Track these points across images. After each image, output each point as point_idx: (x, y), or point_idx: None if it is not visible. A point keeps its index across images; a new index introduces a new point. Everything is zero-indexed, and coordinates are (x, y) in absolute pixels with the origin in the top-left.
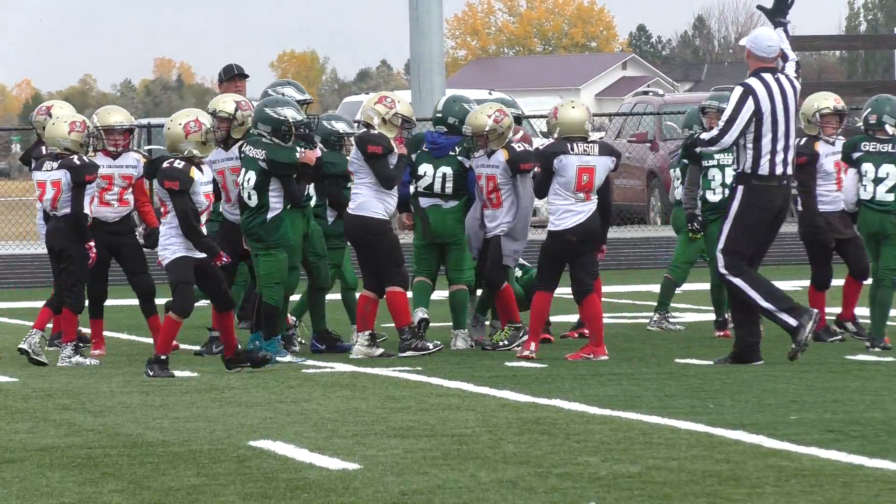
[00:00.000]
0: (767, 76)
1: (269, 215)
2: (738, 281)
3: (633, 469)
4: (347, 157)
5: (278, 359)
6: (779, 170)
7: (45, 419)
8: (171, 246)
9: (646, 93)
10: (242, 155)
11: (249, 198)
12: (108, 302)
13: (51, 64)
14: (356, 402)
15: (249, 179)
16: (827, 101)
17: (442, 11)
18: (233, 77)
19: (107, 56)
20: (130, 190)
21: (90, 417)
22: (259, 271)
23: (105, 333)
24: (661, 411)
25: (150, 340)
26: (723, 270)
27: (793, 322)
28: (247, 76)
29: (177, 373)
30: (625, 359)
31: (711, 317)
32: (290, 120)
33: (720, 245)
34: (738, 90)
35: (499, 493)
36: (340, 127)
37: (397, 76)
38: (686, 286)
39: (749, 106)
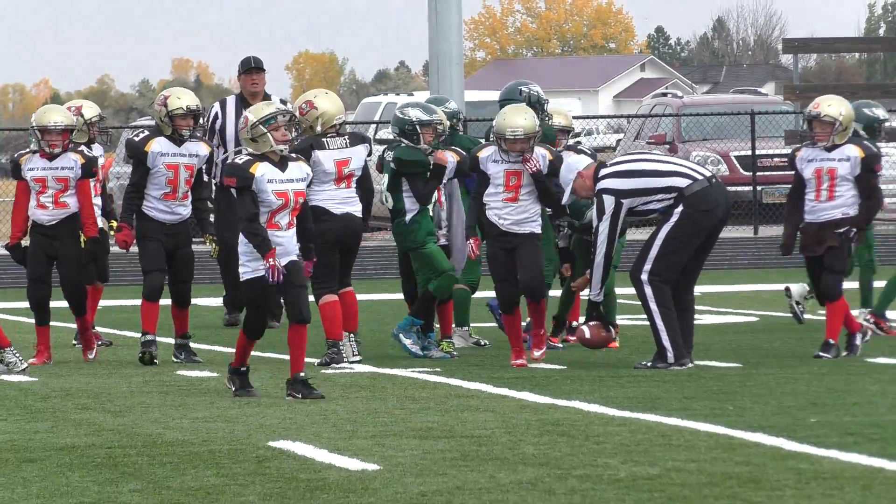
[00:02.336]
0: None
1: (408, 217)
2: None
3: (652, 471)
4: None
5: (408, 345)
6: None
7: (65, 419)
8: (242, 257)
9: (664, 94)
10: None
11: (386, 200)
12: (121, 302)
13: (69, 64)
14: (375, 402)
15: (384, 182)
16: (817, 106)
17: (461, 12)
18: (249, 70)
19: (125, 56)
20: (71, 192)
21: (110, 417)
22: (416, 269)
23: (122, 333)
24: (680, 413)
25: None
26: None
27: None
28: (264, 70)
29: (195, 373)
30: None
31: (730, 319)
32: (415, 120)
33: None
34: None
35: (518, 494)
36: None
37: (416, 77)
38: (704, 288)
39: None
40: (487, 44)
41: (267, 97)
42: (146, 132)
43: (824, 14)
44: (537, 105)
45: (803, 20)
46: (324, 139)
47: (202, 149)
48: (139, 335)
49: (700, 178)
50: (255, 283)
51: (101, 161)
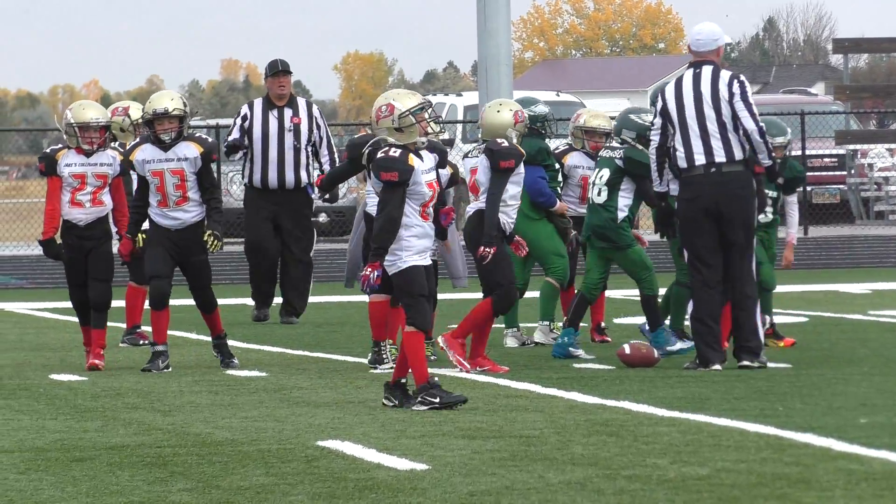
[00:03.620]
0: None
1: (620, 216)
2: None
3: (701, 471)
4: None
5: (668, 348)
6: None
7: (115, 418)
8: (400, 252)
9: None
10: (599, 157)
11: (599, 193)
12: (175, 301)
13: (119, 64)
14: None
15: (602, 176)
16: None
17: (510, 13)
18: (276, 73)
19: (174, 56)
20: (106, 190)
21: (159, 416)
22: (625, 267)
23: (171, 333)
24: (729, 414)
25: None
26: None
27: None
28: (290, 72)
29: (245, 373)
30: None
31: (779, 319)
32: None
33: None
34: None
35: (567, 494)
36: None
37: (465, 77)
38: None
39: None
40: (535, 44)
41: (292, 100)
42: (137, 140)
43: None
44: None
45: (853, 20)
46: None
47: (191, 150)
48: (183, 333)
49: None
50: (419, 272)
51: None
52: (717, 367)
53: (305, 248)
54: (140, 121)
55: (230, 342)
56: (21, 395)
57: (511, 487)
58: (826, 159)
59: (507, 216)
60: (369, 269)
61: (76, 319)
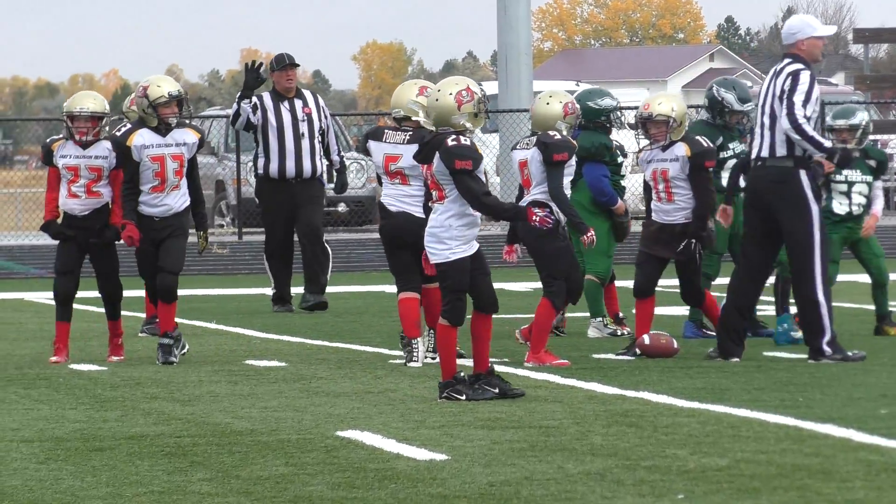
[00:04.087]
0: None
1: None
2: None
3: (721, 462)
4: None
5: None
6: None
7: (134, 408)
8: (450, 241)
9: None
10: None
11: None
12: (189, 291)
13: (138, 54)
14: None
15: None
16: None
17: (529, 2)
18: (285, 66)
19: (193, 46)
20: (104, 182)
21: (179, 406)
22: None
23: (191, 322)
24: (749, 404)
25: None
26: None
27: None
28: (297, 65)
29: (264, 363)
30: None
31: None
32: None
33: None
34: None
35: (586, 485)
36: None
37: (484, 67)
38: (771, 279)
39: None
40: (555, 34)
41: (299, 92)
42: (129, 126)
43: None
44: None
45: (874, 10)
46: (386, 131)
47: (189, 136)
48: (203, 323)
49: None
50: (465, 267)
51: None
52: (736, 359)
53: (319, 232)
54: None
55: (250, 332)
56: (41, 385)
57: (530, 478)
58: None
59: (557, 208)
60: (538, 211)
61: (96, 309)
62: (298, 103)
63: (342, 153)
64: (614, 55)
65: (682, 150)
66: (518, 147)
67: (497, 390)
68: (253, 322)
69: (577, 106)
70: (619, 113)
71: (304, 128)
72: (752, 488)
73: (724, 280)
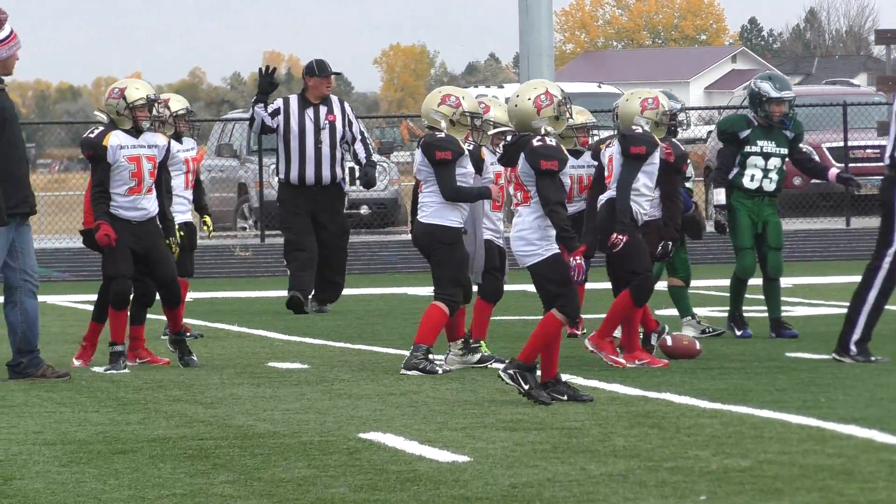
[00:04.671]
0: None
1: None
2: None
3: (743, 463)
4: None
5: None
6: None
7: (157, 410)
8: (540, 242)
9: None
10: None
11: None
12: (212, 294)
13: (161, 57)
14: (466, 394)
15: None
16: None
17: (551, 4)
18: (327, 74)
19: (216, 49)
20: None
21: (201, 409)
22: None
23: (214, 325)
24: (772, 405)
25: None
26: None
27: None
28: (339, 73)
29: (286, 365)
30: (735, 353)
31: (823, 311)
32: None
33: None
34: None
35: (609, 486)
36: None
37: (506, 69)
38: (796, 280)
39: None
40: (577, 36)
41: (326, 100)
42: (101, 128)
43: None
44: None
45: None
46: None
47: (160, 139)
48: (225, 325)
49: None
50: (563, 258)
51: (192, 154)
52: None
53: (343, 241)
54: (181, 112)
55: (272, 334)
56: (63, 388)
57: (553, 479)
58: (868, 150)
59: (641, 206)
60: (578, 257)
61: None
62: (323, 110)
63: (372, 158)
64: (636, 57)
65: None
66: (609, 144)
67: (565, 397)
68: (275, 324)
69: (661, 101)
70: (685, 114)
71: (325, 135)
72: (774, 489)
73: (756, 282)
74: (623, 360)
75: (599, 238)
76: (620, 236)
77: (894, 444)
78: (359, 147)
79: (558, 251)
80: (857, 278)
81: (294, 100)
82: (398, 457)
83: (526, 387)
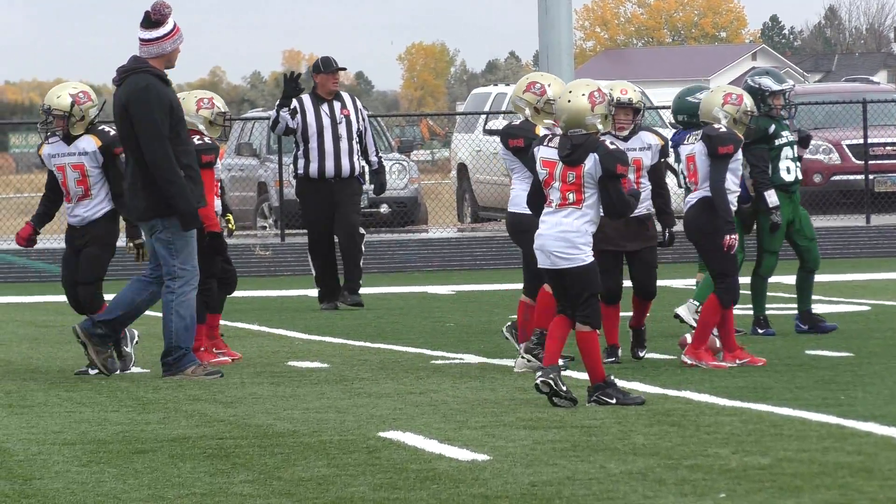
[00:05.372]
0: None
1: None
2: None
3: (763, 461)
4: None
5: None
6: None
7: (177, 410)
8: (584, 247)
9: None
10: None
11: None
12: (237, 293)
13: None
14: (485, 393)
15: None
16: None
17: (571, 2)
18: (333, 70)
19: (236, 48)
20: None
21: (221, 408)
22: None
23: (234, 324)
24: (791, 403)
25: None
26: None
27: None
28: (344, 69)
29: (306, 364)
30: (754, 350)
31: (842, 308)
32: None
33: None
34: None
35: (628, 484)
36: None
37: (526, 67)
38: (816, 277)
39: None
40: (597, 34)
41: (337, 94)
42: (49, 134)
43: None
44: None
45: None
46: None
47: (90, 144)
48: (255, 326)
49: None
50: (596, 266)
51: None
52: None
53: (355, 230)
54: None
55: (292, 334)
56: (83, 388)
57: (572, 478)
58: (888, 147)
59: (731, 203)
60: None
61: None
62: (337, 105)
63: (380, 154)
64: (656, 55)
65: (652, 138)
66: (686, 142)
67: (614, 401)
68: (295, 323)
69: (745, 100)
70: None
71: (342, 129)
72: (794, 487)
73: (781, 278)
74: (725, 363)
75: (693, 238)
76: (733, 236)
77: None
78: (368, 141)
79: (594, 259)
80: (878, 275)
81: (307, 98)
82: (418, 455)
83: (613, 402)
